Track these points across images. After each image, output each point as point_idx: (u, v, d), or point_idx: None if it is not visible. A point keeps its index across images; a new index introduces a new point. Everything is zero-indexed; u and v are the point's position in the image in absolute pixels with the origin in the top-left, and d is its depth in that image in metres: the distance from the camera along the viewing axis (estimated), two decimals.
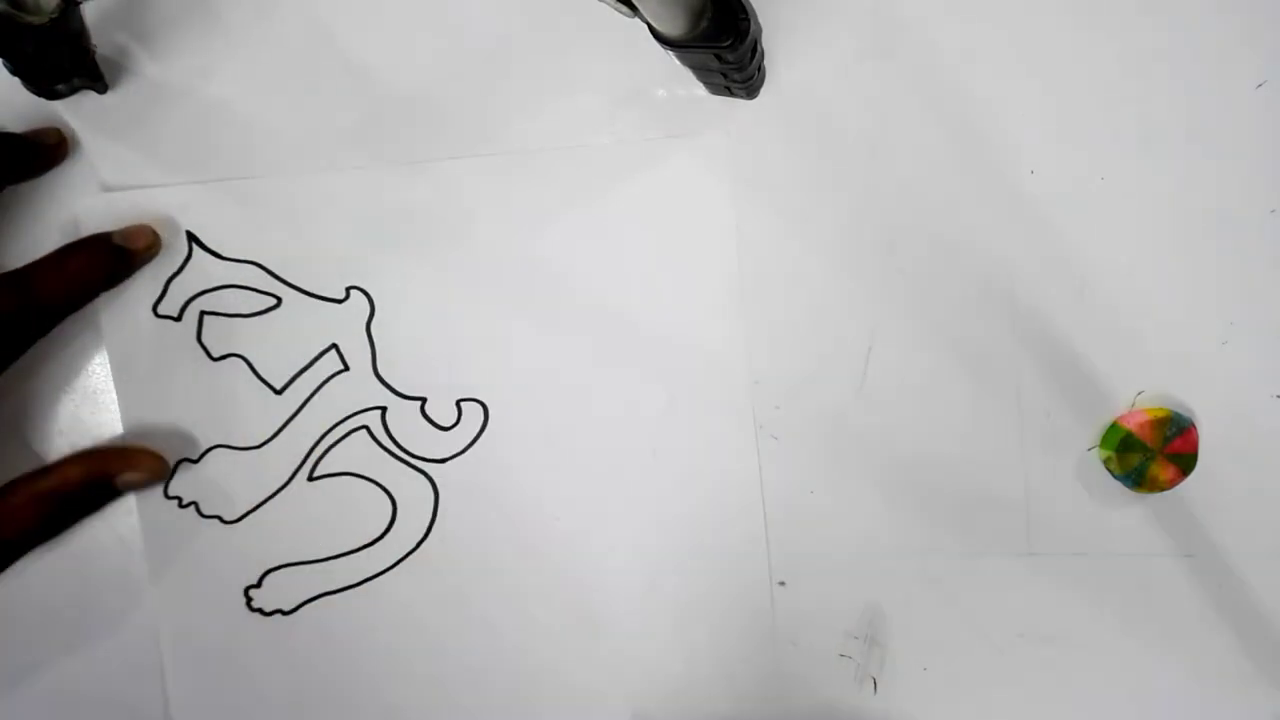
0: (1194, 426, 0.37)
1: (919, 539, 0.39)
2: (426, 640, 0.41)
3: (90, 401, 0.41)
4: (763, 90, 0.37)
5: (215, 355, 0.41)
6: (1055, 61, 0.36)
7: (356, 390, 0.40)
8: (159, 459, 0.40)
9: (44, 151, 0.39)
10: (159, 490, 0.41)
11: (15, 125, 0.40)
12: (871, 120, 0.37)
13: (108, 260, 0.39)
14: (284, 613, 0.41)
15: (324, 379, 0.40)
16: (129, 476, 0.39)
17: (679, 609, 0.40)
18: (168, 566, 0.42)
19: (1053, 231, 0.37)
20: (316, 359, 0.40)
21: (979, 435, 0.38)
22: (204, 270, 0.41)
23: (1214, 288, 0.36)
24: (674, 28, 0.31)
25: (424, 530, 0.41)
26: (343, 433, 0.41)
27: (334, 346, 0.41)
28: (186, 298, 0.41)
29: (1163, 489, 0.37)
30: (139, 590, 0.42)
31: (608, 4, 0.30)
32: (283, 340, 0.41)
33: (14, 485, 0.38)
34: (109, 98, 0.40)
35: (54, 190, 0.40)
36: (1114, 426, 0.37)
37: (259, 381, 0.41)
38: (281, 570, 0.41)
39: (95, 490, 0.39)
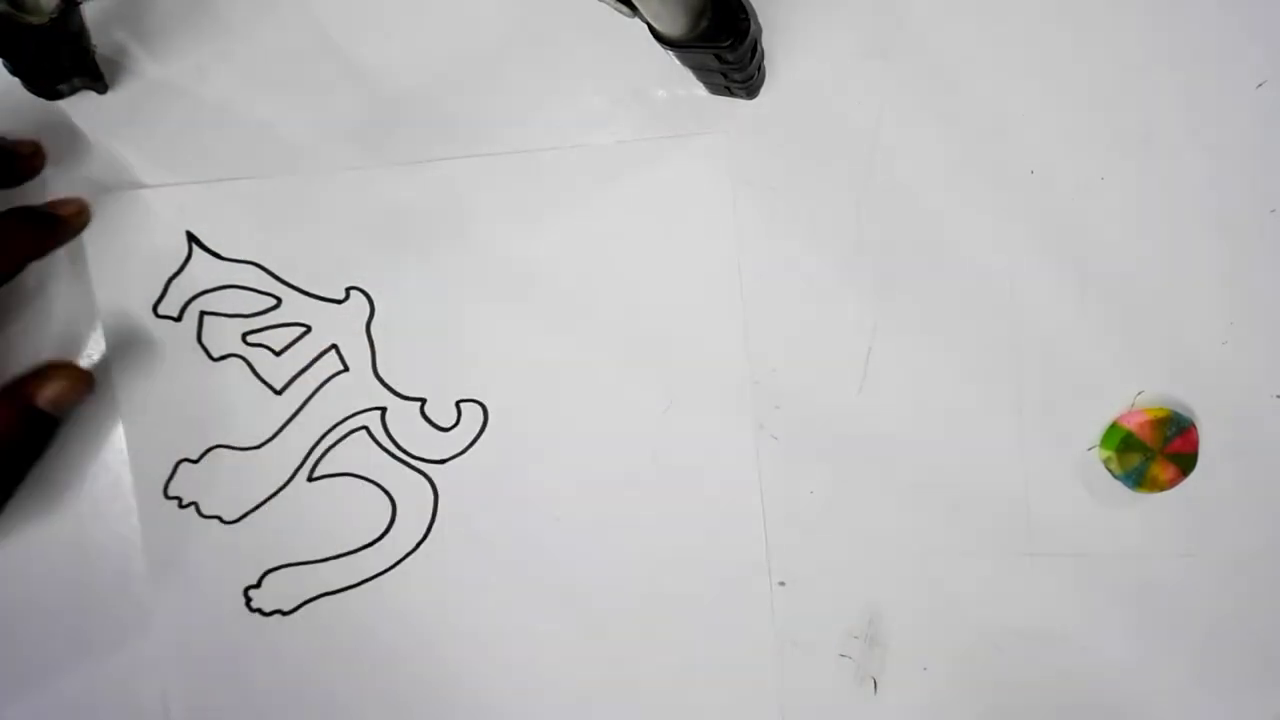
0: (1194, 426, 0.37)
1: (919, 539, 0.39)
2: (425, 640, 0.41)
3: (90, 401, 0.41)
4: (763, 90, 0.37)
5: (215, 355, 0.41)
6: (1055, 61, 0.36)
7: (356, 391, 0.40)
8: (75, 366, 0.38)
9: (17, 162, 0.39)
10: (159, 490, 0.41)
11: (16, 125, 0.40)
12: (871, 120, 0.37)
13: (34, 227, 0.38)
14: (283, 613, 0.41)
15: (324, 379, 0.40)
16: (47, 394, 0.37)
17: (679, 609, 0.40)
18: (168, 566, 0.42)
19: (1053, 231, 0.37)
20: (316, 359, 0.40)
21: (979, 435, 0.38)
22: (204, 270, 0.41)
23: (1214, 288, 0.36)
24: (674, 28, 0.31)
25: (423, 531, 0.41)
26: (342, 433, 0.41)
27: (334, 347, 0.41)
28: (186, 298, 0.41)
29: (1163, 489, 0.37)
30: (139, 590, 0.42)
31: (608, 4, 0.30)
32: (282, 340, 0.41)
33: None
34: (109, 98, 0.40)
35: (54, 191, 0.40)
36: (1114, 426, 0.37)
37: (259, 382, 0.41)
38: (281, 570, 0.41)
39: (29, 425, 0.37)
